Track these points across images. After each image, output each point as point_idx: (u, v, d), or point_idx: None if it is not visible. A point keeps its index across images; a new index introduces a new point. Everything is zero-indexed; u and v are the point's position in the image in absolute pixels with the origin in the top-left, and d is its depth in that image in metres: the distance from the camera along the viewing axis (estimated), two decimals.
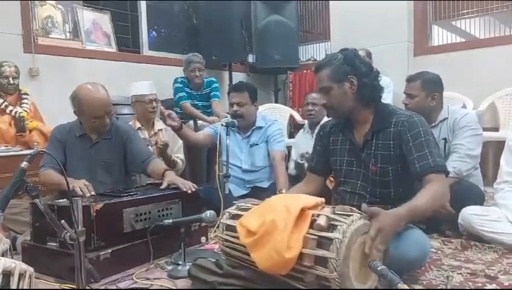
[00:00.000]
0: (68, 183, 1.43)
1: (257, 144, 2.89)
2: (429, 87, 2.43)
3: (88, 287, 1.46)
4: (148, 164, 2.32)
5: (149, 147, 2.78)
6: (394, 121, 1.75)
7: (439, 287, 1.58)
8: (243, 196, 2.73)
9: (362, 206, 1.39)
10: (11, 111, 2.99)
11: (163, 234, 1.96)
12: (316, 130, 3.09)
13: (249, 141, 2.90)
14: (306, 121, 3.43)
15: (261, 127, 2.90)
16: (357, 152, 1.82)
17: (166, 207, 2.07)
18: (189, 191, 2.14)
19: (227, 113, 2.97)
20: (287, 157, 3.15)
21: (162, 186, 2.17)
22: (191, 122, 3.79)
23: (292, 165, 3.17)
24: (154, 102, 2.93)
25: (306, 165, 2.91)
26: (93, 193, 2.04)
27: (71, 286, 1.63)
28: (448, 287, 1.56)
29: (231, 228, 1.55)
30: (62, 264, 1.71)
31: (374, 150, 1.76)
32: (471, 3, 4.20)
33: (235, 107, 2.80)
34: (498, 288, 1.56)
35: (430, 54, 4.24)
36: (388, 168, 1.74)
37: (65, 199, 1.85)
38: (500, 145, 2.25)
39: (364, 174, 1.80)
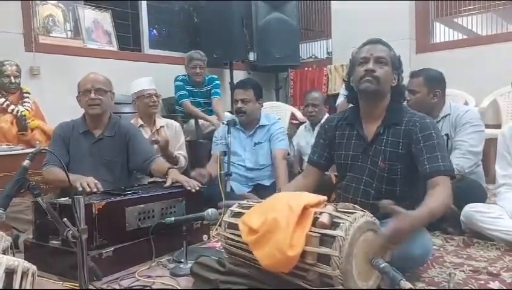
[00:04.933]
0: (70, 182, 1.43)
1: (261, 143, 2.89)
2: (431, 83, 2.43)
3: (90, 285, 1.46)
4: (151, 163, 2.32)
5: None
6: (405, 120, 1.75)
7: (441, 285, 1.57)
8: None
9: (381, 202, 1.39)
10: (12, 110, 2.99)
11: (165, 232, 1.96)
12: (318, 126, 3.11)
13: (253, 139, 2.91)
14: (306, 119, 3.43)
15: (264, 126, 2.91)
16: (366, 147, 1.81)
17: (169, 205, 2.07)
18: (193, 190, 2.14)
19: (229, 112, 2.98)
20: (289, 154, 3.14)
21: (166, 185, 2.18)
22: (192, 120, 3.78)
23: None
24: (153, 96, 2.94)
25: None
26: (102, 190, 2.05)
27: (73, 284, 1.63)
28: (451, 284, 1.55)
29: (233, 226, 1.55)
30: (64, 263, 1.70)
31: (384, 146, 1.76)
32: (473, 1, 4.19)
33: (240, 104, 2.80)
34: (503, 287, 1.55)
35: (432, 51, 4.24)
36: (397, 166, 1.74)
37: (67, 197, 1.85)
38: None
39: (370, 169, 1.80)
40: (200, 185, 2.20)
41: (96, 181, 2.07)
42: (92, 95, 2.26)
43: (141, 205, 1.96)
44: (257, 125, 2.90)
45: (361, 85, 1.76)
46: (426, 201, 1.53)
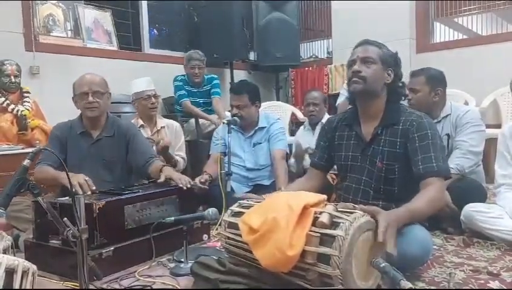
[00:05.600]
0: (70, 181, 1.43)
1: (260, 143, 2.89)
2: (433, 82, 2.43)
3: (90, 285, 1.46)
4: (150, 166, 2.32)
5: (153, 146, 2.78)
6: (403, 119, 1.75)
7: (441, 284, 1.57)
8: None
9: (359, 207, 1.39)
10: (12, 109, 2.99)
11: (165, 231, 1.96)
12: (319, 126, 3.11)
13: (252, 141, 2.91)
14: (307, 119, 3.43)
15: (263, 127, 2.90)
16: (364, 147, 1.81)
17: (162, 203, 2.08)
18: (185, 188, 2.14)
19: (229, 111, 2.98)
20: (289, 155, 3.14)
21: (159, 180, 2.18)
22: (192, 120, 3.78)
23: (292, 161, 3.16)
24: (152, 98, 2.93)
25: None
26: (94, 187, 2.02)
27: (73, 283, 1.63)
28: (451, 284, 1.56)
29: (233, 226, 1.55)
30: (65, 262, 1.71)
31: (382, 146, 1.76)
32: (473, 1, 4.19)
33: (235, 110, 2.80)
34: (503, 287, 1.55)
35: (432, 51, 4.24)
36: (394, 166, 1.74)
37: (67, 197, 1.85)
38: None
39: (369, 169, 1.80)
40: (191, 182, 2.21)
41: (87, 178, 2.03)
42: (90, 99, 2.24)
43: (139, 204, 1.97)
44: (256, 128, 2.90)
45: (350, 87, 1.80)
46: (410, 201, 1.54)
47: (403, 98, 1.90)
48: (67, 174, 1.43)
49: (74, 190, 1.94)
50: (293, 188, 2.02)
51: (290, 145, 3.14)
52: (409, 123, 1.73)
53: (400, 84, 1.85)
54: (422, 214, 1.58)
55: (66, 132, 2.32)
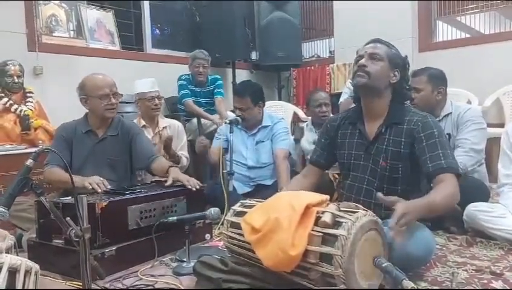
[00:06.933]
0: (73, 182, 1.43)
1: (263, 141, 2.90)
2: (435, 81, 2.43)
3: (93, 285, 1.47)
4: (153, 162, 2.34)
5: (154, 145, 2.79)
6: (407, 119, 1.75)
7: (444, 284, 1.57)
8: (247, 194, 2.74)
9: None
10: (16, 109, 3.00)
11: (168, 231, 1.96)
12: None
13: (255, 138, 2.91)
14: (309, 118, 3.42)
15: (267, 126, 2.90)
16: (368, 145, 1.81)
17: (171, 204, 2.08)
18: (194, 189, 2.15)
19: (231, 111, 2.98)
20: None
21: (167, 183, 2.18)
22: (195, 120, 3.79)
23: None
24: (156, 99, 2.94)
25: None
26: (109, 187, 2.08)
27: (76, 283, 1.63)
28: (453, 284, 1.55)
29: (236, 225, 1.55)
30: (67, 262, 1.72)
31: (386, 145, 1.76)
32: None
33: (238, 112, 2.81)
34: (506, 287, 1.54)
35: (434, 50, 4.23)
36: (398, 165, 1.74)
37: (70, 197, 1.85)
38: None
39: (372, 168, 1.80)
40: (200, 183, 2.21)
41: (102, 179, 2.10)
42: (113, 100, 2.30)
43: (144, 204, 1.97)
44: (260, 126, 2.90)
45: (354, 80, 1.79)
46: (428, 194, 1.55)
47: (408, 101, 1.90)
48: (70, 176, 1.43)
49: (90, 188, 2.02)
50: (291, 186, 2.02)
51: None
52: (414, 123, 1.73)
53: (407, 87, 1.86)
54: (439, 208, 1.57)
55: (71, 132, 2.34)
